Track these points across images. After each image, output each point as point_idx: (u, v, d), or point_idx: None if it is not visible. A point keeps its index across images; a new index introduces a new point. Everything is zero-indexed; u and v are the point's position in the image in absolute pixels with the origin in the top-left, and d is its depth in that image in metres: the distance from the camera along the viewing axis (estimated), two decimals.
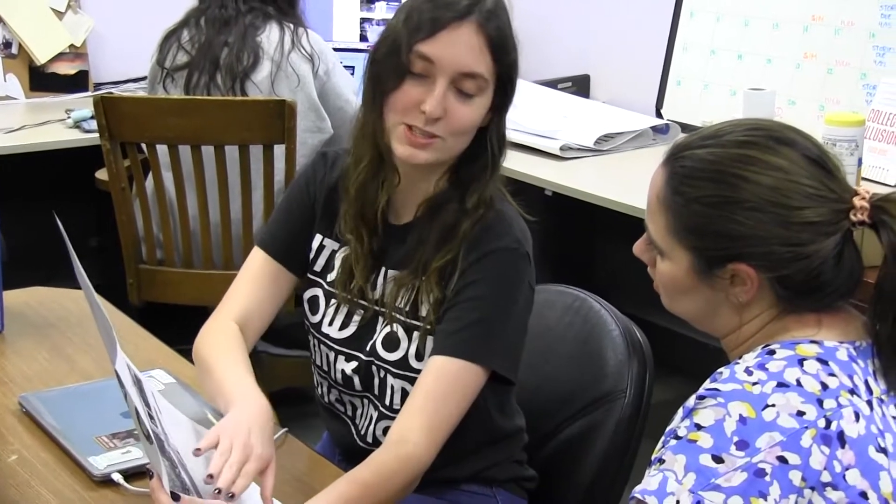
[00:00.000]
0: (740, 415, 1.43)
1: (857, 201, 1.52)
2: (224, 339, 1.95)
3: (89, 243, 4.48)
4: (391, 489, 1.75)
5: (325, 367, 2.01)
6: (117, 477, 1.79)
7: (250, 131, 3.24)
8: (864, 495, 1.41)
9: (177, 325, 2.60)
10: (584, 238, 4.58)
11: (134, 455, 1.84)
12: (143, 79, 3.88)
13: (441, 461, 1.83)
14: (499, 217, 1.90)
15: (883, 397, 1.50)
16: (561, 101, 4.09)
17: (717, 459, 1.41)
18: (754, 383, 1.45)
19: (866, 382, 1.49)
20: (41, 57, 4.38)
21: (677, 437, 1.45)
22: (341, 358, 1.98)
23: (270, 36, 3.40)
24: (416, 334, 1.92)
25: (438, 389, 1.82)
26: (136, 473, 1.79)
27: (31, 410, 1.98)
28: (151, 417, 1.63)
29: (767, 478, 1.40)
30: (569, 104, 4.06)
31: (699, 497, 1.40)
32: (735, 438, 1.41)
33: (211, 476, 1.61)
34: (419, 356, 1.91)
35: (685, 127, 3.72)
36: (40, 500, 1.76)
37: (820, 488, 1.41)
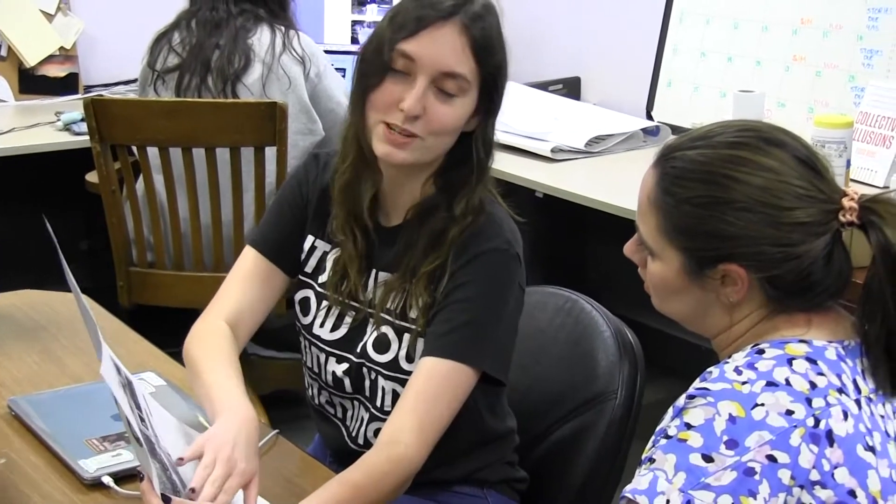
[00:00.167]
0: (730, 414, 1.43)
1: (846, 202, 1.52)
2: (214, 341, 1.94)
3: (80, 246, 4.47)
4: (383, 490, 1.75)
5: (316, 369, 2.02)
6: (107, 480, 1.79)
7: (241, 133, 3.24)
8: (852, 493, 1.42)
9: (167, 327, 2.60)
10: (575, 240, 4.58)
11: (124, 458, 1.84)
12: (134, 81, 3.88)
13: (432, 463, 1.83)
14: (489, 219, 1.90)
15: (871, 396, 1.50)
16: (552, 103, 4.09)
17: (707, 458, 1.42)
18: (744, 382, 1.46)
19: (854, 381, 1.50)
20: (31, 59, 4.37)
21: (667, 437, 1.46)
22: (332, 359, 1.98)
23: (261, 38, 3.40)
24: (406, 336, 1.92)
25: (429, 391, 1.82)
26: (127, 476, 1.79)
27: (21, 413, 1.98)
28: (142, 420, 1.63)
29: (757, 476, 1.40)
30: (560, 106, 4.07)
31: (689, 496, 1.41)
32: (725, 437, 1.42)
33: (193, 490, 1.61)
34: (409, 358, 1.91)
35: (675, 129, 3.72)
36: (30, 503, 1.76)
37: (809, 486, 1.41)
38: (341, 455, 2.01)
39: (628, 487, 1.45)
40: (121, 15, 4.52)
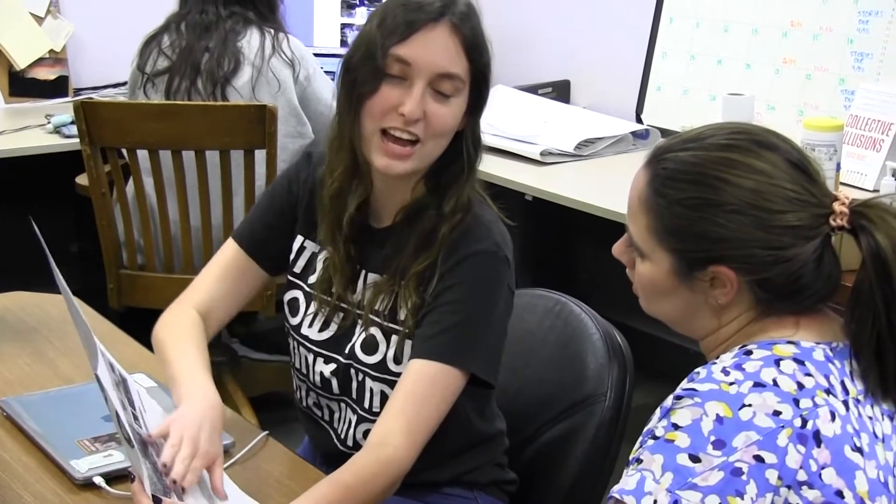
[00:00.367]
0: (717, 414, 1.43)
1: (836, 206, 1.53)
2: (183, 327, 1.96)
3: (70, 249, 4.47)
4: (372, 491, 1.75)
5: (304, 370, 2.02)
6: (99, 480, 1.79)
7: (231, 136, 3.24)
8: (839, 494, 1.42)
9: None
10: (564, 243, 4.59)
11: (116, 458, 1.84)
12: (124, 84, 3.88)
13: (421, 465, 1.83)
14: (477, 221, 1.90)
15: (859, 397, 1.51)
16: (541, 106, 4.10)
17: (694, 459, 1.42)
18: (731, 383, 1.46)
19: (842, 383, 1.50)
20: (21, 62, 4.37)
21: (655, 437, 1.46)
22: (320, 360, 1.99)
23: (251, 41, 3.40)
24: (394, 338, 1.92)
25: (417, 392, 1.83)
26: (118, 477, 1.80)
27: (13, 414, 1.99)
28: (136, 418, 1.64)
29: (744, 477, 1.41)
30: (549, 109, 4.07)
31: (676, 496, 1.41)
32: (712, 438, 1.42)
33: (165, 465, 1.65)
34: (397, 360, 1.92)
35: (665, 132, 3.73)
36: (22, 503, 1.76)
37: (796, 487, 1.42)
38: (331, 458, 2.01)
39: (616, 488, 1.46)
40: (110, 18, 4.52)
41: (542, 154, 3.62)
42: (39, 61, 4.43)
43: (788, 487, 1.42)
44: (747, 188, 1.51)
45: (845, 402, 1.48)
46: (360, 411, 1.97)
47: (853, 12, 3.56)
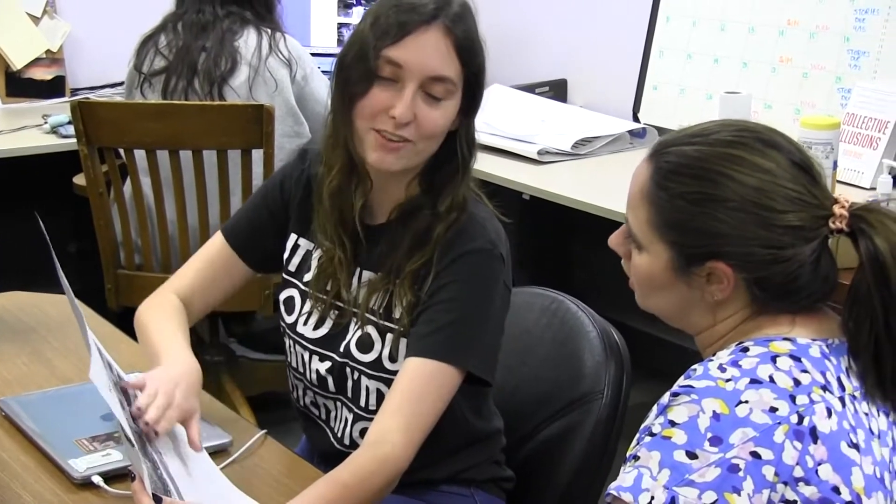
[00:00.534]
0: (714, 411, 1.44)
1: (836, 209, 1.53)
2: (164, 309, 2.01)
3: (68, 249, 4.46)
4: (370, 489, 1.75)
5: (301, 369, 2.02)
6: (97, 479, 1.79)
7: (228, 136, 3.24)
8: (836, 490, 1.43)
9: None
10: (561, 242, 4.59)
11: (114, 457, 1.84)
12: (121, 84, 3.88)
13: (419, 463, 1.83)
14: (472, 219, 1.90)
15: (855, 394, 1.51)
16: (538, 105, 4.10)
17: (691, 455, 1.42)
18: (727, 380, 1.46)
19: (839, 379, 1.50)
20: (17, 62, 4.37)
21: (652, 434, 1.47)
22: (315, 358, 1.99)
23: (248, 41, 3.40)
24: (389, 336, 1.92)
25: (414, 390, 1.83)
26: (117, 476, 1.80)
27: (11, 414, 1.99)
28: (135, 418, 1.64)
29: (741, 473, 1.41)
30: (546, 108, 4.07)
31: (674, 493, 1.41)
32: (709, 434, 1.43)
33: (139, 409, 1.67)
34: (392, 358, 1.92)
35: (662, 131, 3.73)
36: (21, 503, 1.76)
37: (792, 483, 1.42)
38: (328, 457, 2.01)
39: (613, 484, 1.46)
40: (107, 17, 4.52)
41: (539, 153, 3.62)
42: (36, 61, 4.43)
43: (785, 483, 1.42)
44: (750, 186, 1.51)
45: (841, 399, 1.49)
46: (356, 410, 1.97)
47: (849, 10, 3.56)
